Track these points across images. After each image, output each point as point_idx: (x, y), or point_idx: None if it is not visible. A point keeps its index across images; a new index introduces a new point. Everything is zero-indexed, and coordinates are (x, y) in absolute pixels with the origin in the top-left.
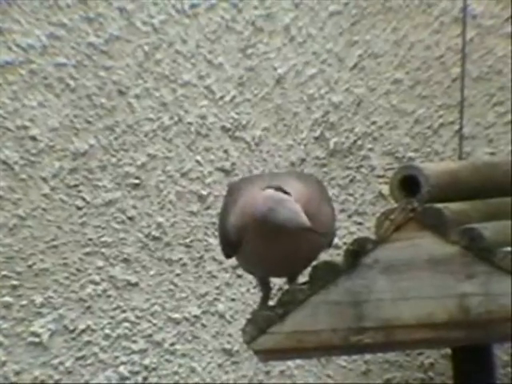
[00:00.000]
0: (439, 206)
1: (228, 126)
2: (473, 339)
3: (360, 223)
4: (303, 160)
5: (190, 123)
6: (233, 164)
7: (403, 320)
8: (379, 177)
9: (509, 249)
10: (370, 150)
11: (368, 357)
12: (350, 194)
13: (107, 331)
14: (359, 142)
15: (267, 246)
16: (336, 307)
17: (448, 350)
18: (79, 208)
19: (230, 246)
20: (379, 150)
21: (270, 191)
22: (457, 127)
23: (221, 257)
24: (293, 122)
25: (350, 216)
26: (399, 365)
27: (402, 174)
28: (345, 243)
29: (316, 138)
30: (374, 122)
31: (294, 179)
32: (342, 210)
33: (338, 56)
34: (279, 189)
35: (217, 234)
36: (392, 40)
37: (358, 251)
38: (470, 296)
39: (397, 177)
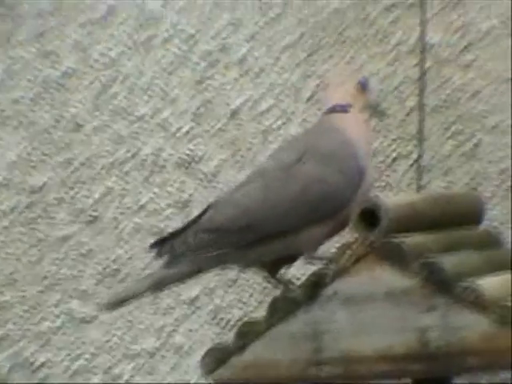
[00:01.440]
0: (398, 238)
1: (184, 158)
2: (433, 372)
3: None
4: None
5: (145, 156)
6: (188, 197)
7: (362, 352)
8: None
9: (468, 281)
10: None
11: None
12: None
13: (66, 364)
14: None
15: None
16: (295, 339)
17: (408, 382)
18: (37, 242)
19: (358, 184)
20: None
21: None
22: (412, 160)
23: (177, 290)
24: (249, 154)
25: None
26: None
27: (361, 207)
28: (303, 274)
29: None
30: None
31: None
32: None
33: (294, 87)
34: None
35: None
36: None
37: (317, 283)
38: (430, 329)
39: (356, 210)
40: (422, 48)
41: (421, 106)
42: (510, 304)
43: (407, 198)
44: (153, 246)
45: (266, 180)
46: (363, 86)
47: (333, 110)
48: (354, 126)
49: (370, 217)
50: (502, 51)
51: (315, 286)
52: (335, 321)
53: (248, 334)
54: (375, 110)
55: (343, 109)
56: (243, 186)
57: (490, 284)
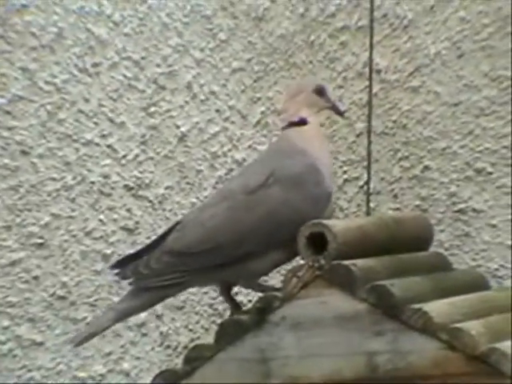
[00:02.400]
0: (347, 262)
1: (131, 184)
2: None
3: (265, 280)
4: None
5: (93, 182)
6: (136, 223)
7: (311, 377)
8: None
9: (417, 306)
10: None
11: None
12: None
13: None
14: None
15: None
16: (243, 364)
17: None
18: None
19: (324, 207)
20: None
21: None
22: (361, 183)
23: None
24: (196, 179)
25: None
26: None
27: (309, 231)
28: (249, 301)
29: None
30: None
31: None
32: None
33: (240, 113)
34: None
35: (120, 292)
36: None
37: (264, 308)
38: (378, 353)
39: (304, 234)
40: (370, 72)
41: (369, 130)
42: (458, 328)
43: (356, 221)
44: (113, 267)
45: (231, 203)
46: (322, 90)
47: (291, 124)
48: (315, 141)
49: (318, 241)
50: (449, 75)
51: (263, 311)
52: (283, 346)
53: (196, 358)
54: (336, 110)
55: (302, 121)
56: (208, 207)
57: (439, 308)
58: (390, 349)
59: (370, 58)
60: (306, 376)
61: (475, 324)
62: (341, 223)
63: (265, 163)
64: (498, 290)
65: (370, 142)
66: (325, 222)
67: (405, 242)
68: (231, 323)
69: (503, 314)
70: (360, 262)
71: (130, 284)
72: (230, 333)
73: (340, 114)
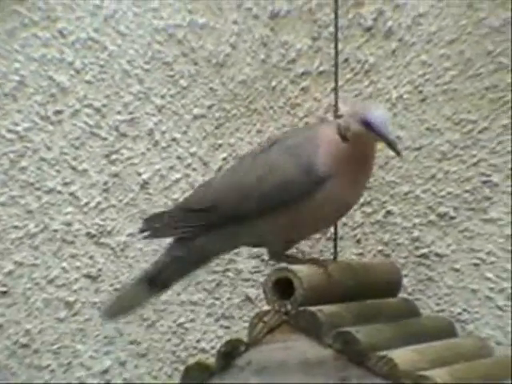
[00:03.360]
0: (313, 308)
1: (93, 232)
2: None
3: (227, 327)
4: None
5: (55, 230)
6: (99, 270)
7: None
8: (246, 280)
9: (382, 353)
10: (236, 253)
11: None
12: (217, 298)
13: None
14: None
15: (354, 177)
16: None
17: None
18: None
19: (314, 183)
20: (245, 253)
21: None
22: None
23: (89, 362)
24: None
25: (217, 320)
26: None
27: (275, 276)
28: (212, 348)
29: None
30: None
31: None
32: (209, 314)
33: (202, 160)
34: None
35: (84, 340)
36: (256, 142)
37: (230, 353)
38: None
39: (271, 279)
40: (335, 115)
41: None
42: (423, 376)
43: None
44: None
45: (236, 164)
46: (367, 123)
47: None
48: (333, 144)
49: (284, 286)
50: (411, 119)
51: (228, 355)
52: None
53: None
54: (389, 145)
55: (344, 137)
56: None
57: (404, 356)
58: None
59: (336, 102)
60: None
61: (441, 372)
62: (307, 269)
63: (283, 133)
64: (465, 338)
65: None
66: (292, 267)
67: (372, 288)
68: (197, 367)
69: (469, 361)
70: (326, 307)
71: (145, 238)
72: (195, 377)
73: (396, 151)
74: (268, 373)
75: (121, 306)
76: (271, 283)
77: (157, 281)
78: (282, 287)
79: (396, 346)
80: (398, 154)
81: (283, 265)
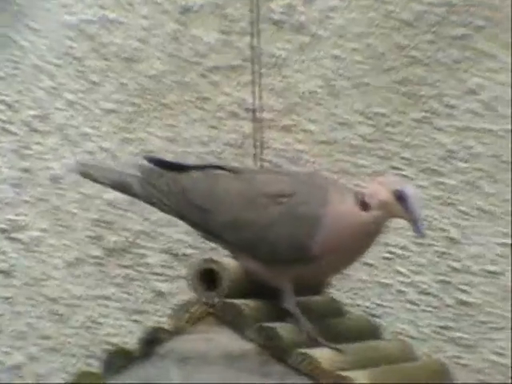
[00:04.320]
0: (238, 302)
1: (5, 227)
2: None
3: (139, 321)
4: (81, 260)
5: None
6: (11, 266)
7: None
8: (157, 274)
9: (304, 350)
10: (147, 247)
11: None
12: (128, 293)
13: None
14: (136, 241)
15: (359, 251)
16: None
17: None
18: None
19: (303, 259)
20: (156, 248)
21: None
22: None
23: (1, 358)
24: (69, 221)
25: (128, 314)
26: None
27: (202, 268)
28: (124, 342)
29: (93, 238)
30: (149, 220)
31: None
32: (121, 309)
33: (113, 154)
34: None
35: None
36: (167, 137)
37: (151, 340)
38: None
39: (197, 270)
40: (254, 112)
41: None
42: (343, 376)
43: None
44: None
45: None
46: (400, 196)
47: (360, 197)
48: (346, 216)
49: (211, 278)
50: (323, 113)
51: (149, 343)
52: (169, 378)
53: None
54: (413, 223)
55: (364, 204)
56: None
57: (326, 354)
58: None
59: (254, 97)
60: None
61: (361, 374)
62: (235, 262)
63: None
64: (389, 340)
65: None
66: (219, 259)
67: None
68: (119, 353)
69: (391, 364)
70: (252, 302)
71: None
72: (117, 362)
73: (420, 232)
74: (189, 363)
75: (97, 172)
76: (198, 274)
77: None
78: (207, 279)
79: (318, 345)
80: (422, 234)
81: (209, 256)
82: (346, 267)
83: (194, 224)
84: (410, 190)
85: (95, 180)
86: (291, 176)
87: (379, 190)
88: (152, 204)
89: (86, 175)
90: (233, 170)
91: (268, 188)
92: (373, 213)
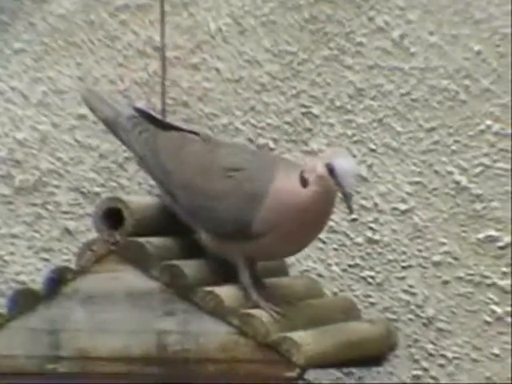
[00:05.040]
0: (142, 240)
1: None
2: (170, 377)
3: (47, 259)
4: None
5: None
6: None
7: (99, 352)
8: (65, 213)
9: (209, 288)
10: (56, 186)
11: None
12: (37, 231)
13: None
14: (44, 179)
15: (304, 230)
16: (33, 334)
17: None
18: None
19: (247, 236)
20: (65, 186)
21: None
22: None
23: None
24: None
25: (36, 252)
26: None
27: (106, 206)
28: (32, 280)
29: (2, 176)
30: (59, 158)
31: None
32: (29, 247)
33: (22, 93)
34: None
35: None
36: (76, 75)
37: (56, 280)
38: (168, 333)
39: (101, 208)
40: (162, 50)
41: (163, 109)
42: (249, 314)
43: (154, 200)
44: (136, 109)
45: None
46: (331, 169)
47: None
48: (287, 194)
49: (114, 217)
50: (230, 52)
51: (54, 282)
52: (74, 319)
53: None
54: (344, 197)
55: (303, 181)
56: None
57: (231, 292)
58: (179, 329)
59: (162, 35)
60: (95, 350)
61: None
62: (139, 200)
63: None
64: (297, 277)
65: (164, 112)
66: (123, 197)
67: None
68: (24, 292)
69: (300, 301)
70: (155, 240)
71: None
72: (22, 302)
73: (349, 206)
74: (94, 302)
75: (98, 103)
76: (101, 212)
77: None
78: (113, 218)
79: (221, 282)
80: (350, 210)
81: (114, 195)
82: (298, 246)
83: (159, 183)
84: (339, 162)
85: (92, 110)
86: (249, 152)
87: (317, 165)
88: (132, 152)
89: (86, 101)
90: (204, 138)
91: (223, 160)
92: (311, 188)
